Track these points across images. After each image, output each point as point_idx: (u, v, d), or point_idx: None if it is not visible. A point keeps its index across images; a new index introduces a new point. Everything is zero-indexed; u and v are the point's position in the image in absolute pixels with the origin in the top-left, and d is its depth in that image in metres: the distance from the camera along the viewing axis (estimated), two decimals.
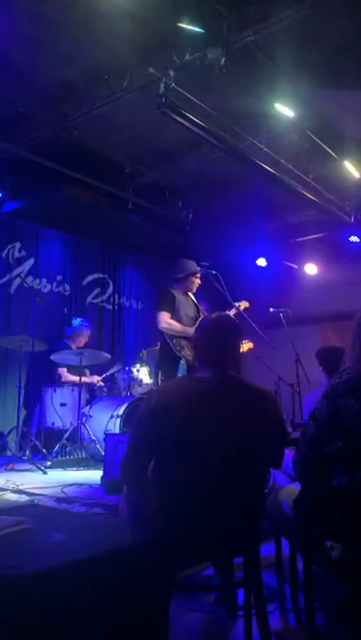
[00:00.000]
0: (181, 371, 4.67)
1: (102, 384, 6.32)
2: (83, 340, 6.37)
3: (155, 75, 4.38)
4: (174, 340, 4.65)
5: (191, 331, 4.57)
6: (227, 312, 4.88)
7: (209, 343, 2.15)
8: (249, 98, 4.93)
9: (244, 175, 6.13)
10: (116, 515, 3.31)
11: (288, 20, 3.87)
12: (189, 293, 4.97)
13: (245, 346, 5.39)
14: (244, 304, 5.27)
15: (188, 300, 4.91)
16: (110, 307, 8.25)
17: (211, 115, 5.00)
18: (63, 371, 6.11)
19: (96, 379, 6.32)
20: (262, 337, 5.37)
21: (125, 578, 1.52)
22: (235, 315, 4.93)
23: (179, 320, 4.67)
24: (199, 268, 4.93)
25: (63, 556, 1.43)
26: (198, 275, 4.92)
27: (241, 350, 5.21)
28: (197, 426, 1.95)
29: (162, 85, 4.37)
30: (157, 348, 6.15)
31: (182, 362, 4.64)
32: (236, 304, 5.13)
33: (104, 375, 6.36)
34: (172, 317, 4.68)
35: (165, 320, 4.66)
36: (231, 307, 5.00)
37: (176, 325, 4.64)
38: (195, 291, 4.96)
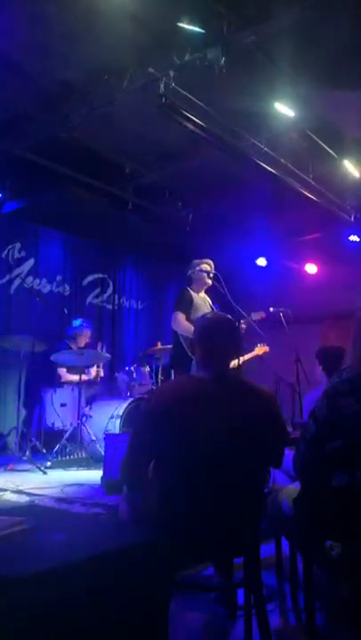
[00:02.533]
0: (194, 371, 4.66)
1: (102, 373, 6.31)
2: (83, 341, 6.38)
3: (155, 75, 4.38)
4: (188, 341, 4.65)
5: None
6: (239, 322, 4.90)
7: (206, 343, 2.15)
8: (249, 98, 4.93)
9: (244, 175, 6.13)
10: (115, 515, 3.31)
11: (288, 20, 3.87)
12: (206, 296, 4.97)
13: (261, 349, 5.41)
14: (260, 314, 5.27)
15: (204, 302, 4.91)
16: (110, 307, 8.25)
17: (211, 115, 5.00)
18: (62, 371, 6.11)
19: (95, 370, 6.31)
20: (262, 337, 5.36)
21: (125, 578, 1.52)
22: (245, 325, 4.94)
23: (195, 321, 4.64)
24: (204, 259, 4.94)
25: (63, 556, 1.43)
26: (207, 265, 4.92)
27: (256, 354, 5.22)
28: (197, 426, 1.95)
29: (162, 85, 4.36)
30: (157, 347, 6.19)
31: (195, 363, 4.64)
32: (253, 316, 5.11)
33: (100, 365, 6.36)
34: (188, 318, 4.68)
35: (180, 320, 4.67)
36: (240, 316, 4.97)
37: (188, 327, 4.63)
38: (210, 280, 4.92)
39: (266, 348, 5.44)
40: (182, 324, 4.65)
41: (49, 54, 4.46)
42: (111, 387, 6.28)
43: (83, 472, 4.93)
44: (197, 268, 4.91)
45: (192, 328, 4.57)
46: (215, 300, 5.13)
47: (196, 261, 4.97)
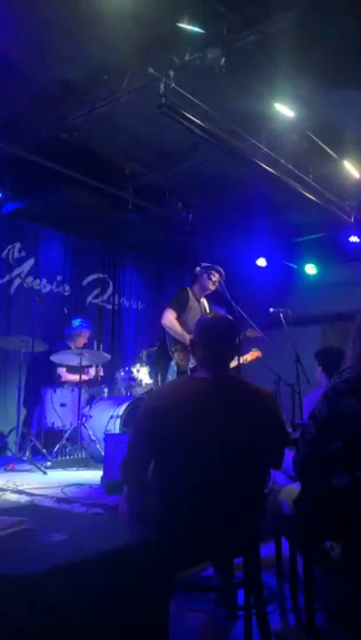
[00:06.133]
0: (171, 372, 4.63)
1: (102, 373, 6.31)
2: (82, 341, 6.37)
3: (155, 75, 4.38)
4: (172, 340, 4.62)
5: (188, 337, 4.43)
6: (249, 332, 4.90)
7: (207, 344, 2.15)
8: (249, 98, 4.93)
9: (244, 175, 6.13)
10: (116, 515, 3.31)
11: (288, 20, 3.87)
12: (204, 300, 4.93)
13: (253, 354, 5.40)
14: (254, 333, 5.26)
15: (200, 307, 4.87)
16: (110, 307, 8.25)
17: (211, 115, 4.99)
18: (62, 370, 6.11)
19: (94, 370, 6.31)
20: (262, 337, 5.36)
21: (125, 578, 1.52)
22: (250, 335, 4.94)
23: (185, 322, 4.59)
24: (217, 267, 4.91)
25: (63, 556, 1.43)
26: (215, 272, 4.85)
27: (245, 360, 5.23)
28: (197, 426, 1.95)
29: (162, 86, 4.36)
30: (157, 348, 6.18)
31: (173, 363, 4.60)
32: (248, 333, 5.11)
33: (100, 365, 6.36)
34: (178, 317, 4.62)
35: (169, 318, 4.60)
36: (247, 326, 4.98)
37: (176, 327, 4.57)
38: (213, 288, 4.86)
39: (258, 354, 5.44)
40: (171, 320, 4.57)
41: (49, 54, 4.46)
42: (111, 387, 6.27)
43: (83, 472, 4.93)
44: (205, 273, 4.84)
45: (178, 328, 4.55)
46: (220, 304, 5.10)
47: (207, 264, 4.90)
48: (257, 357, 5.41)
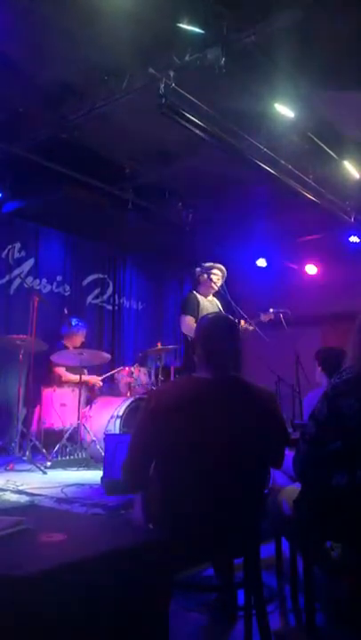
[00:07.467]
0: None
1: (101, 384, 6.30)
2: (78, 340, 6.35)
3: (155, 75, 4.38)
4: None
5: None
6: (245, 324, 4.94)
7: (208, 343, 2.15)
8: (249, 98, 4.93)
9: (243, 175, 6.13)
10: (115, 515, 3.32)
11: (288, 20, 3.87)
12: (214, 298, 4.97)
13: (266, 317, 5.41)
14: (268, 316, 5.29)
15: (212, 305, 4.92)
16: (110, 307, 8.25)
17: (211, 115, 4.99)
18: (61, 370, 6.10)
19: (95, 379, 6.31)
20: (262, 337, 5.36)
21: (125, 578, 1.52)
22: (253, 327, 4.97)
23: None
24: (217, 265, 4.95)
25: (63, 556, 1.43)
26: (216, 271, 4.91)
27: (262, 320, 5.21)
28: (197, 426, 1.95)
29: (162, 86, 4.36)
30: (157, 348, 6.19)
31: None
32: (263, 317, 5.13)
33: (104, 376, 6.35)
34: (195, 322, 4.67)
35: (188, 324, 4.67)
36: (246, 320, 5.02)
37: None
38: (217, 288, 4.93)
39: (271, 316, 5.46)
40: (191, 326, 4.63)
41: (49, 54, 4.46)
42: (111, 387, 6.26)
43: (83, 472, 4.93)
44: (205, 273, 4.90)
45: None
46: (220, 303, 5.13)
47: (207, 265, 4.96)
48: (269, 320, 5.44)
